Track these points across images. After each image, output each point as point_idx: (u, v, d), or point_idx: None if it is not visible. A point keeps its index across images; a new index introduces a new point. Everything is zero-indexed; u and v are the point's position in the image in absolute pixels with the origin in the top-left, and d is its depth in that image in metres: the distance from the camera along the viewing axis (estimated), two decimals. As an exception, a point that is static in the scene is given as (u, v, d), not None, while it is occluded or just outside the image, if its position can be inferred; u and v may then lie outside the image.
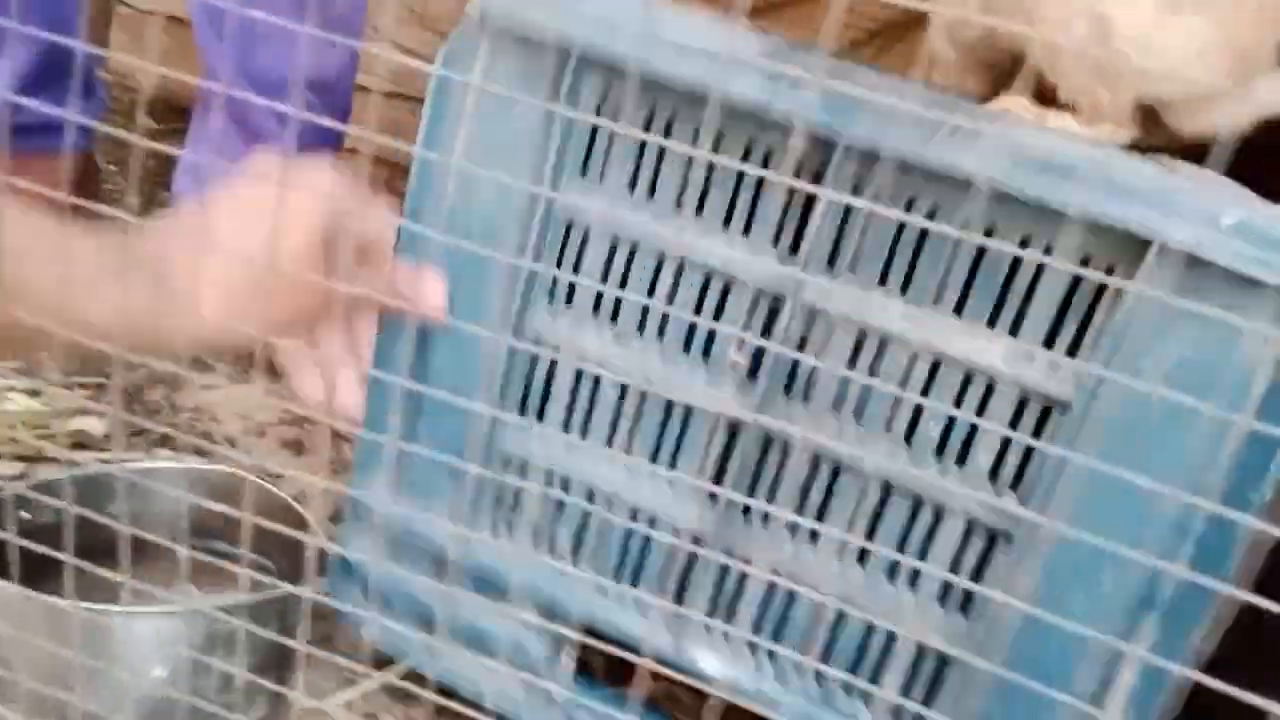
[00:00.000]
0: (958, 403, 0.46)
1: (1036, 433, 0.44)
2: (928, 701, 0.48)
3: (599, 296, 0.52)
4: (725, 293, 0.49)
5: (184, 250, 0.47)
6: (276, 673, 0.58)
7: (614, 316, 0.52)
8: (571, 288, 0.52)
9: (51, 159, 0.82)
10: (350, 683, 0.64)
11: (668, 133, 0.48)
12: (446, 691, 0.52)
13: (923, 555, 0.47)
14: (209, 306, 0.46)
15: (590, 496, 0.53)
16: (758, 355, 0.49)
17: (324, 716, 0.61)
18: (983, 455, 0.46)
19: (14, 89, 0.79)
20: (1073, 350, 0.44)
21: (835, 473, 0.48)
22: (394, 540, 0.58)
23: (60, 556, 0.42)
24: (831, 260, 0.47)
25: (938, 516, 0.47)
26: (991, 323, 0.45)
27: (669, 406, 0.51)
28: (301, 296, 0.49)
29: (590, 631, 0.51)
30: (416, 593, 0.58)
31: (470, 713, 0.41)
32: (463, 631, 0.58)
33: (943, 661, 0.48)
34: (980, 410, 0.45)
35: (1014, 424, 0.45)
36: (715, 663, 0.52)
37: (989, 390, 0.45)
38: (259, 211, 0.42)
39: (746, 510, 0.50)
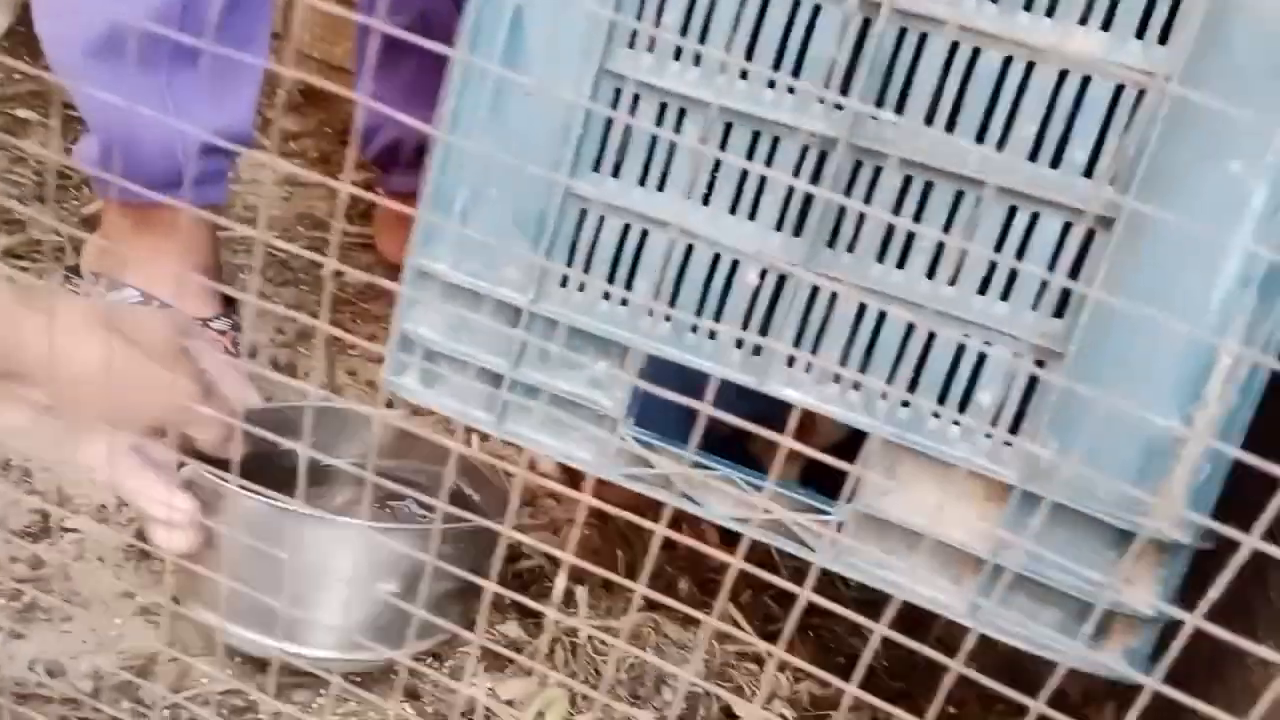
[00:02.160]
0: (1051, 102, 0.46)
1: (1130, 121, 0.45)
2: (1018, 421, 0.48)
3: (682, 35, 0.52)
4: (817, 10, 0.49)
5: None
6: (463, 598, 0.61)
7: (696, 60, 0.52)
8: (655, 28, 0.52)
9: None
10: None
11: None
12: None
13: (1019, 255, 0.47)
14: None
15: (670, 244, 0.53)
16: (847, 79, 0.49)
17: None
18: (1079, 151, 0.46)
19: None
20: (1164, 35, 0.44)
21: (927, 188, 0.48)
22: (458, 311, 0.57)
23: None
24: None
25: (1033, 219, 0.47)
26: (1084, 21, 0.46)
27: (754, 137, 0.51)
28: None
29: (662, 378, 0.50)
30: (483, 359, 0.57)
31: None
32: (532, 393, 0.57)
33: (1035, 378, 0.48)
34: (1075, 106, 0.46)
35: (1109, 116, 0.45)
36: (799, 395, 0.51)
37: (1084, 85, 0.46)
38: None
39: (832, 239, 0.50)
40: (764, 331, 0.52)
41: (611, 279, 0.54)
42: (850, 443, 0.53)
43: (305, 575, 0.58)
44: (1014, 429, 0.48)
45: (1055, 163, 0.47)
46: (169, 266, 0.80)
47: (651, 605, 0.68)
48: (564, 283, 0.55)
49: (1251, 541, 0.21)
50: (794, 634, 0.70)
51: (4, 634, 0.58)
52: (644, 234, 0.53)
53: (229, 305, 0.85)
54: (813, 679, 0.66)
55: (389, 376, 0.59)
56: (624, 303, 0.54)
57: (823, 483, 0.54)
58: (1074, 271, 0.47)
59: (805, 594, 0.27)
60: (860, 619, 0.33)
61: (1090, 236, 0.46)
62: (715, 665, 0.67)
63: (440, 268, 0.57)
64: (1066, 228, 0.46)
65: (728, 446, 0.55)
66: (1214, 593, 0.22)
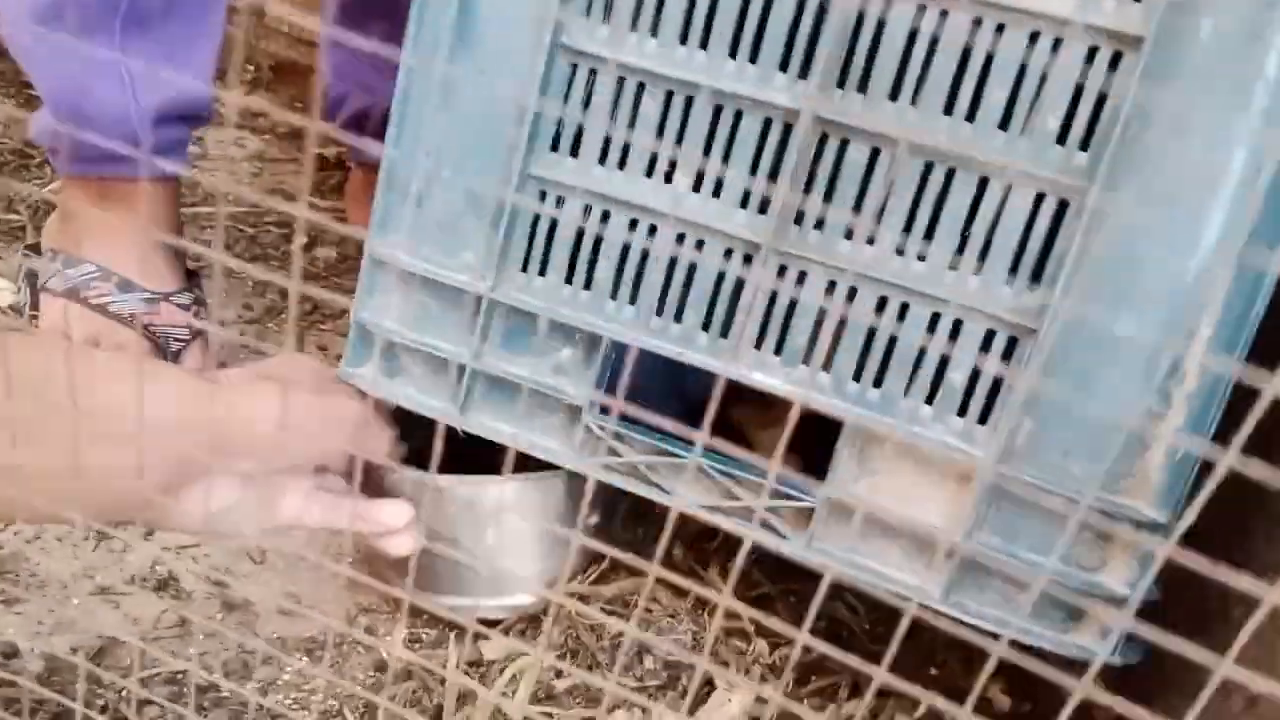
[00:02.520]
0: (1020, 70, 0.44)
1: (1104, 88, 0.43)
2: (992, 397, 0.47)
3: (638, 5, 0.49)
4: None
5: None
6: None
7: (654, 29, 0.50)
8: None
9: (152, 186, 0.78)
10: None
11: None
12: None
13: (990, 237, 0.46)
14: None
15: (632, 225, 0.51)
16: (810, 47, 0.47)
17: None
18: (1050, 118, 0.44)
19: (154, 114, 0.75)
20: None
21: (892, 164, 0.46)
22: (415, 299, 0.56)
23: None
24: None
25: (1006, 192, 0.45)
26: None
27: (716, 112, 0.49)
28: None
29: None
30: (443, 349, 0.55)
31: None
32: (495, 383, 0.55)
33: (1010, 347, 0.46)
34: (1045, 72, 0.44)
35: (1081, 81, 0.43)
36: (767, 379, 0.50)
37: (1055, 46, 0.44)
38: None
39: (799, 218, 0.49)
40: (730, 314, 0.50)
41: (573, 263, 0.52)
42: (818, 426, 0.51)
43: (505, 533, 0.63)
44: (987, 409, 0.47)
45: (1026, 131, 0.45)
46: (128, 240, 0.78)
47: (637, 571, 0.68)
48: (524, 267, 0.53)
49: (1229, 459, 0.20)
50: (776, 597, 0.69)
51: None
52: (605, 215, 0.51)
53: (191, 279, 0.83)
54: (792, 643, 0.66)
55: (346, 368, 0.58)
56: (587, 287, 0.52)
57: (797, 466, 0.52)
58: (1047, 244, 0.45)
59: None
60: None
61: (1063, 207, 0.44)
62: (702, 636, 0.66)
63: (397, 254, 0.55)
64: (1039, 199, 0.45)
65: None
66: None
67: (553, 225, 0.52)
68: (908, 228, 0.47)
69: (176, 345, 0.79)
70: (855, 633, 0.69)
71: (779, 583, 0.71)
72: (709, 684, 0.62)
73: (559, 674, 0.61)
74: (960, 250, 0.46)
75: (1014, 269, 0.46)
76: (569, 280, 0.52)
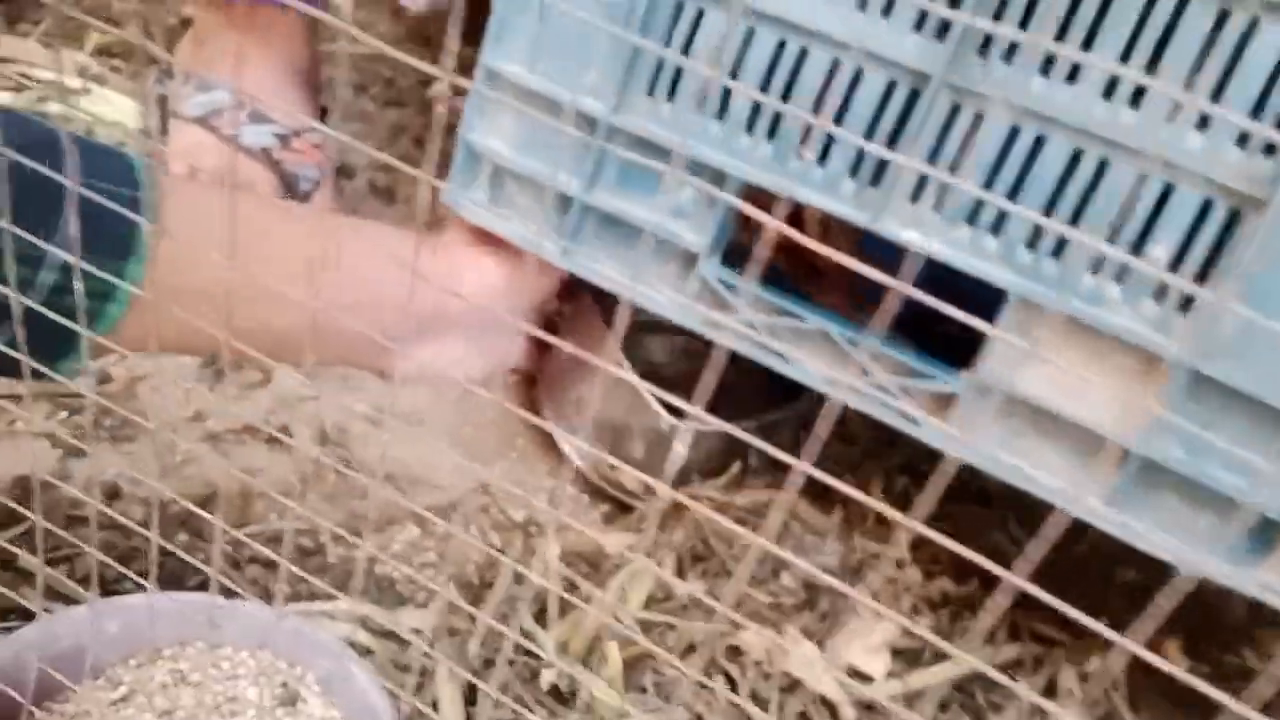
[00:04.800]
0: None
1: None
2: (1202, 279, 0.39)
3: None
4: None
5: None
6: None
7: None
8: None
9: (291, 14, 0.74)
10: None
11: None
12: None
13: (1223, 82, 0.37)
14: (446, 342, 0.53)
15: (780, 47, 0.44)
16: None
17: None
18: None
19: None
20: None
21: (1112, -15, 0.38)
22: (530, 121, 0.50)
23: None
24: None
25: (1250, 26, 0.36)
26: None
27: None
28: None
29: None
30: (559, 179, 0.49)
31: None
32: (607, 221, 0.49)
33: (1231, 223, 0.38)
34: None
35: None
36: (922, 239, 0.43)
37: None
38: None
39: (985, 45, 0.41)
40: (885, 162, 0.43)
41: (707, 89, 0.45)
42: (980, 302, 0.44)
43: None
44: (1189, 297, 0.39)
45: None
46: (264, 69, 0.74)
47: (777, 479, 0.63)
48: (651, 91, 0.47)
49: None
50: (929, 521, 0.63)
51: (62, 450, 0.55)
52: (750, 33, 0.44)
53: (325, 118, 0.79)
54: (947, 575, 0.60)
55: (451, 192, 0.53)
56: (720, 117, 0.46)
57: (949, 351, 0.45)
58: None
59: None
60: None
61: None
62: (851, 558, 0.61)
63: (514, 69, 0.49)
64: (1297, 38, 0.36)
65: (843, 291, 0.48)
66: None
67: (687, 43, 0.45)
68: (1122, 63, 0.38)
69: (306, 185, 0.75)
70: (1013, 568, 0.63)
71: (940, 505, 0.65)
72: (851, 610, 0.56)
73: (682, 577, 0.57)
74: (1176, 109, 0.38)
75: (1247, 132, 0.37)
76: (700, 109, 0.46)
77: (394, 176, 0.89)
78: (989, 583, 0.59)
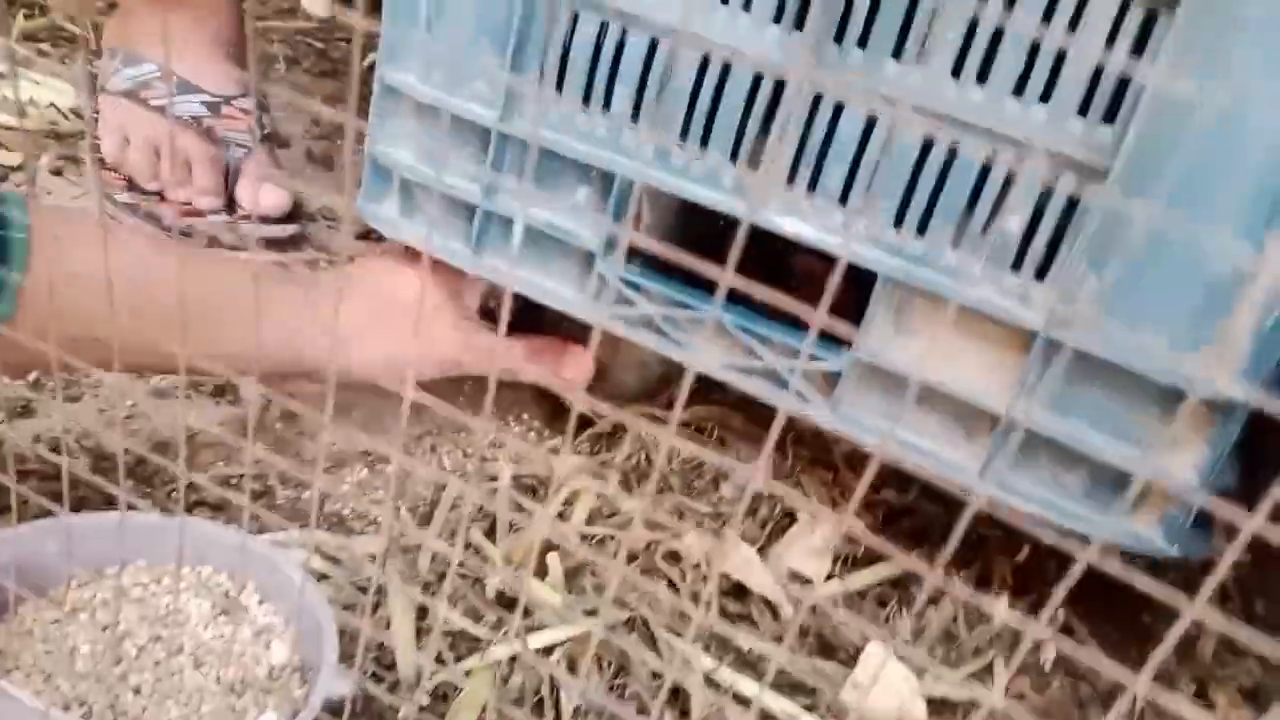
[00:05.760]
0: None
1: None
2: (1052, 251, 0.40)
3: None
4: None
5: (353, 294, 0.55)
6: None
7: None
8: None
9: None
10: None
11: None
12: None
13: (1060, 58, 0.38)
14: (373, 349, 0.53)
15: (653, 46, 0.45)
16: None
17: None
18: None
19: None
20: None
21: (951, -32, 0.39)
22: (429, 132, 0.52)
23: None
24: None
25: (1081, 4, 0.38)
26: None
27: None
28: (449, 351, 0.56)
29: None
30: (458, 186, 0.51)
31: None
32: (509, 224, 0.51)
33: (1071, 207, 0.39)
34: None
35: None
36: (798, 225, 0.44)
37: None
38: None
39: (839, 34, 0.42)
40: (757, 151, 0.44)
41: (588, 92, 0.47)
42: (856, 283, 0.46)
43: None
44: (1044, 266, 0.40)
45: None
46: (190, 41, 0.76)
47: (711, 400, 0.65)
48: (537, 97, 0.48)
49: None
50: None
51: (10, 408, 0.58)
52: (622, 34, 0.45)
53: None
54: (889, 486, 0.62)
55: (363, 204, 0.54)
56: (605, 113, 0.47)
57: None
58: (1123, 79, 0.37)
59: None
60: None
61: (1151, 19, 0.37)
62: (785, 466, 0.63)
63: (408, 80, 0.51)
64: (1124, 8, 0.37)
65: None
66: None
67: (566, 47, 0.47)
68: (964, 47, 0.40)
69: (239, 151, 0.77)
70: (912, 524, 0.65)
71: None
72: (790, 515, 0.58)
73: (629, 491, 0.59)
74: (1025, 77, 0.39)
75: (1086, 102, 0.38)
76: (584, 108, 0.47)
77: (331, 145, 0.91)
78: (929, 491, 0.61)
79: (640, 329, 0.49)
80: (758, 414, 0.65)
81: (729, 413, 0.65)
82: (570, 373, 0.59)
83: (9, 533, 0.41)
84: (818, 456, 0.63)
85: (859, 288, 0.45)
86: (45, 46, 0.91)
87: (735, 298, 0.50)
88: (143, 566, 0.44)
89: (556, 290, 0.51)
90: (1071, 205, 0.39)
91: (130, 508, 0.41)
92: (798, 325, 0.47)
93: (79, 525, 0.43)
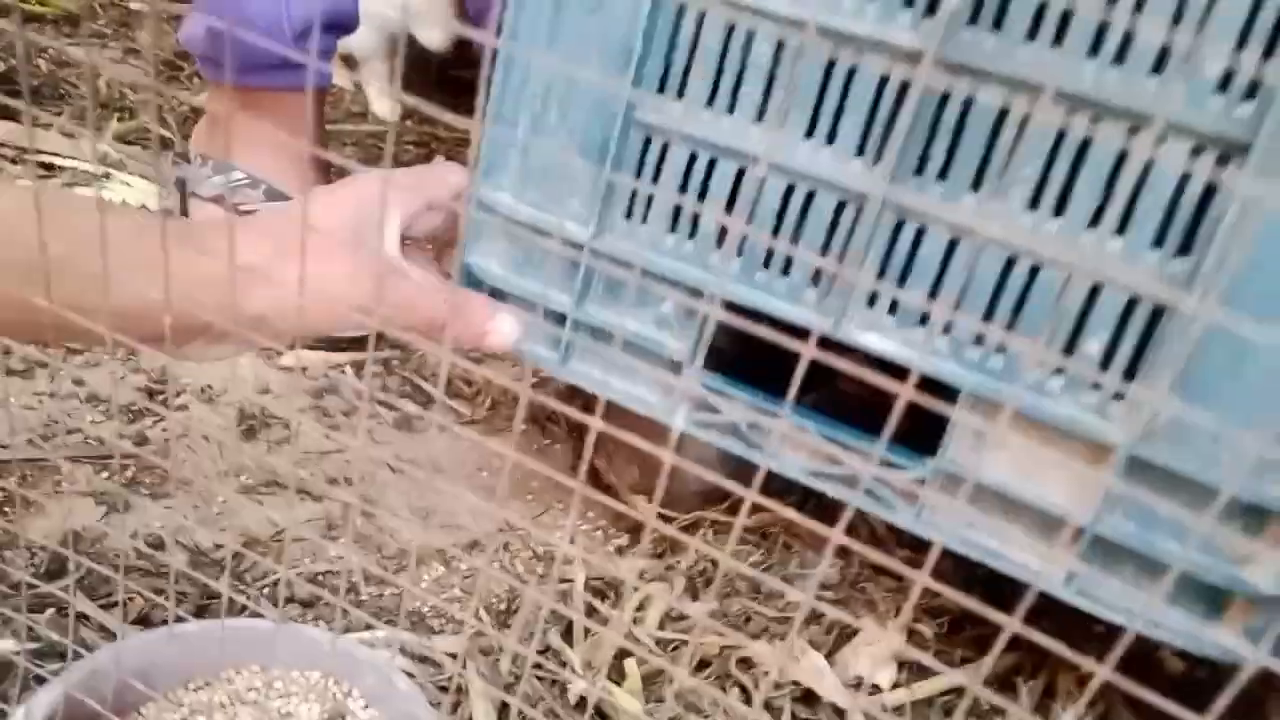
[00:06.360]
0: (1180, 6, 0.39)
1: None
2: (1132, 372, 0.42)
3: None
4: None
5: (270, 236, 0.45)
6: None
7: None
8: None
9: (299, 96, 0.80)
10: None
11: None
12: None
13: (1134, 196, 0.41)
14: (273, 288, 0.43)
15: (740, 174, 0.48)
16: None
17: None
18: (1212, 64, 0.39)
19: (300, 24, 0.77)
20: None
21: (1024, 121, 0.42)
22: (523, 244, 0.55)
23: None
24: None
25: (1157, 144, 0.40)
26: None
27: (829, 66, 0.45)
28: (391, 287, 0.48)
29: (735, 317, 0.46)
30: (546, 297, 0.54)
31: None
32: (598, 333, 0.54)
33: (1154, 318, 0.42)
34: (1208, 9, 0.38)
35: (1250, 21, 0.38)
36: (880, 341, 0.47)
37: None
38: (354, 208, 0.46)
39: (920, 166, 0.45)
40: (838, 272, 0.47)
41: (677, 212, 0.50)
42: (935, 394, 0.48)
43: None
44: (1127, 378, 0.42)
45: (1183, 75, 0.40)
46: (276, 149, 0.80)
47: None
48: (629, 214, 0.51)
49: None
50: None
51: (107, 506, 0.60)
52: (711, 162, 0.49)
53: None
54: (949, 587, 0.63)
55: (454, 313, 0.57)
56: (691, 237, 0.50)
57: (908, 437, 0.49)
58: (1202, 204, 0.40)
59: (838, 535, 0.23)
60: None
61: (1224, 161, 0.39)
62: (850, 572, 0.64)
63: (503, 198, 0.54)
64: (1196, 152, 0.40)
65: (814, 387, 0.51)
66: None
67: (657, 172, 0.50)
68: (1042, 182, 0.42)
69: None
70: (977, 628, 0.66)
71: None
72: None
73: (695, 597, 0.61)
74: (1101, 209, 0.42)
75: (1161, 234, 0.41)
76: (673, 229, 0.50)
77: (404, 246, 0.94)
78: (991, 594, 0.62)
79: (724, 435, 0.52)
80: (823, 518, 0.66)
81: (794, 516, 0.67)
82: (493, 341, 0.49)
83: (136, 640, 0.43)
84: (881, 567, 0.65)
85: (940, 391, 0.47)
86: (136, 149, 0.95)
87: (815, 405, 0.52)
88: (257, 672, 0.46)
89: (643, 396, 0.53)
90: (1155, 318, 0.41)
91: (240, 608, 0.43)
92: (878, 432, 0.49)
93: (194, 632, 0.45)
